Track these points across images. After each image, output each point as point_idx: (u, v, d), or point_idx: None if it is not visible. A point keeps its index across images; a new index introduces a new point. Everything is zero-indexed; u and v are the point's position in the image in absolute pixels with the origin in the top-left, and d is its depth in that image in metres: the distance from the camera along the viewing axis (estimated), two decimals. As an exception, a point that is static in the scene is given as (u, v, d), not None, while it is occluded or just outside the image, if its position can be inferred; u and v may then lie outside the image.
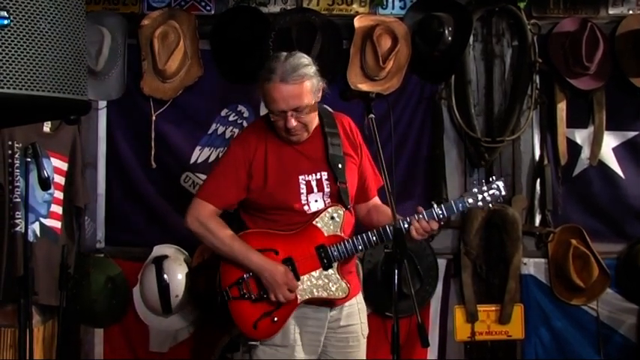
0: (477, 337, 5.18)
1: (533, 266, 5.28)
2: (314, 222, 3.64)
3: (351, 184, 3.70)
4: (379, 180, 3.90)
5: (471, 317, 5.17)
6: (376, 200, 3.93)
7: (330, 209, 3.65)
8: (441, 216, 3.60)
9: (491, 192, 3.67)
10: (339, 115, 3.80)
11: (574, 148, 5.34)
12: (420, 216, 3.57)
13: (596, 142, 5.31)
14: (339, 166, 3.66)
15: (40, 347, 4.80)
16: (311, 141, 3.68)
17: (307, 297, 3.61)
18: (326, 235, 3.64)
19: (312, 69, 3.56)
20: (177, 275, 4.94)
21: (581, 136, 5.36)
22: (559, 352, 5.24)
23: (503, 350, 5.25)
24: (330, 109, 3.84)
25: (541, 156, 5.31)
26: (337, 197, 3.67)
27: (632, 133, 5.36)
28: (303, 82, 3.49)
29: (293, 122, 3.50)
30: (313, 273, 3.62)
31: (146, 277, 4.96)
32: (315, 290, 3.62)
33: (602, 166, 5.34)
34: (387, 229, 3.58)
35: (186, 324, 5.09)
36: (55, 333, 4.91)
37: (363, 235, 3.61)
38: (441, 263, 5.24)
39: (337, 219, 3.65)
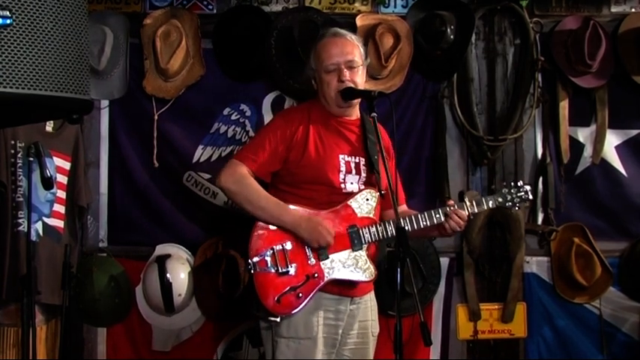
0: (479, 336, 5.18)
1: (535, 264, 5.28)
2: (348, 202, 3.68)
3: (383, 177, 3.74)
4: (403, 194, 4.00)
5: (474, 316, 5.17)
6: (404, 207, 3.96)
7: (365, 191, 3.72)
8: (470, 209, 3.74)
9: (520, 194, 3.87)
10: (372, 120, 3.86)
11: (576, 147, 5.34)
12: (453, 207, 3.69)
13: (598, 140, 5.31)
14: (375, 157, 3.74)
15: (43, 346, 4.81)
16: (351, 129, 3.80)
17: (334, 276, 3.61)
18: (359, 216, 3.69)
19: (360, 40, 3.86)
20: (180, 274, 4.96)
21: (583, 135, 5.36)
22: (562, 350, 5.24)
23: (505, 349, 5.25)
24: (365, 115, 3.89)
25: (543, 154, 5.32)
26: (371, 185, 3.75)
27: (634, 131, 5.36)
28: (354, 42, 3.79)
29: (347, 74, 3.66)
30: (342, 252, 3.64)
31: (149, 276, 4.97)
32: (342, 269, 3.62)
33: (605, 165, 5.34)
34: (419, 218, 3.68)
35: (189, 323, 5.10)
36: (58, 332, 4.91)
37: (395, 220, 3.61)
38: (444, 262, 5.24)
39: (371, 202, 3.72)
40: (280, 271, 3.58)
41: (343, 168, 3.70)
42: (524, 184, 3.90)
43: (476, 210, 3.75)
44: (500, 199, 3.83)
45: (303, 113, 3.78)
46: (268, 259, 3.59)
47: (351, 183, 3.71)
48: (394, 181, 3.57)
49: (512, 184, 3.89)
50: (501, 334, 5.19)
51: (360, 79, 3.74)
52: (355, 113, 3.83)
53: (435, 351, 5.21)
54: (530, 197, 3.91)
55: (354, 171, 3.73)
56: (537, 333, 5.24)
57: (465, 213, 3.70)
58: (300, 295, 3.57)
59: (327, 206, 3.66)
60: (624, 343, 5.24)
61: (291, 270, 3.58)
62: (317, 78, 3.77)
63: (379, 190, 3.73)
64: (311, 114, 3.76)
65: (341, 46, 3.72)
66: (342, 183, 3.69)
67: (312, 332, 3.61)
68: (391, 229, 3.64)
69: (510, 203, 3.85)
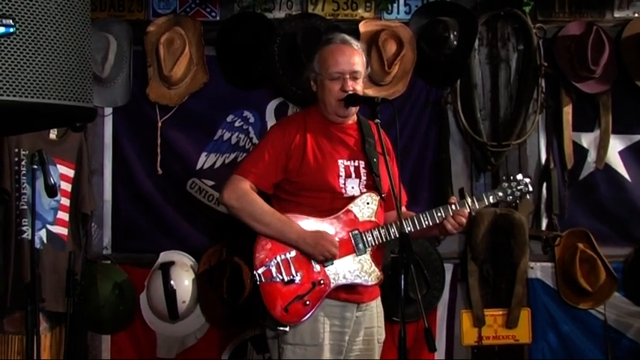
0: (484, 342, 5.17)
1: (540, 270, 5.27)
2: (349, 207, 3.67)
3: (383, 179, 3.74)
4: (405, 196, 3.98)
5: (478, 322, 5.16)
6: (402, 209, 3.95)
7: (364, 195, 3.70)
8: (472, 206, 3.73)
9: (519, 187, 3.86)
10: (371, 122, 3.83)
11: (580, 152, 5.34)
12: (453, 207, 3.68)
13: (602, 146, 5.31)
14: (374, 159, 3.74)
15: (48, 354, 4.81)
16: (349, 133, 3.79)
17: (340, 282, 3.61)
18: (360, 220, 3.68)
19: (364, 48, 3.86)
20: (184, 281, 4.96)
21: (587, 140, 5.36)
22: (566, 356, 5.23)
23: (510, 354, 5.23)
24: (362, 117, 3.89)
25: (547, 160, 5.31)
26: (372, 188, 3.74)
27: (638, 137, 5.37)
28: (360, 52, 3.76)
29: (350, 84, 3.65)
30: (346, 258, 3.63)
31: (153, 283, 4.97)
32: (348, 274, 3.62)
33: (609, 170, 5.33)
34: (421, 218, 3.67)
35: (193, 330, 5.10)
36: (62, 339, 4.92)
37: (397, 222, 3.60)
38: (448, 268, 5.24)
39: (372, 205, 3.70)
40: (286, 280, 3.58)
41: (343, 172, 3.69)
42: (524, 176, 3.89)
43: (477, 206, 3.74)
44: (500, 194, 3.83)
45: (299, 121, 3.78)
46: (273, 269, 3.59)
47: (352, 187, 3.71)
48: (396, 182, 3.56)
49: (512, 177, 3.88)
50: (506, 339, 5.17)
51: (360, 88, 3.73)
52: (352, 117, 3.83)
53: (439, 357, 5.20)
54: (530, 189, 3.89)
55: (353, 175, 3.72)
56: (542, 338, 5.23)
57: (466, 211, 3.69)
58: (308, 302, 3.56)
59: (329, 212, 3.66)
60: (629, 348, 5.23)
61: (297, 278, 3.59)
62: (319, 82, 3.76)
63: (380, 193, 3.72)
64: (307, 121, 3.77)
65: (349, 55, 3.70)
66: (342, 188, 3.68)
67: (319, 339, 3.60)
68: (394, 232, 3.64)
69: (511, 197, 3.85)
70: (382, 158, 3.74)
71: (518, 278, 5.13)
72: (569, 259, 5.17)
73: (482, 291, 5.20)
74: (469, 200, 3.72)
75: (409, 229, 3.63)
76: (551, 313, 5.25)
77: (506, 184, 3.85)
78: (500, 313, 5.17)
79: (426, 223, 3.68)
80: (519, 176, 3.89)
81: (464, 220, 3.69)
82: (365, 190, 3.73)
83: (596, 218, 5.33)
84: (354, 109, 3.75)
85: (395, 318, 4.68)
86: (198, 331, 5.12)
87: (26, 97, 2.36)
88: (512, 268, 5.16)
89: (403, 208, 3.92)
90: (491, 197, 3.80)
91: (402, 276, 3.13)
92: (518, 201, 3.93)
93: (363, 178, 3.73)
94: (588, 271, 5.13)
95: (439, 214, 3.68)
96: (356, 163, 3.74)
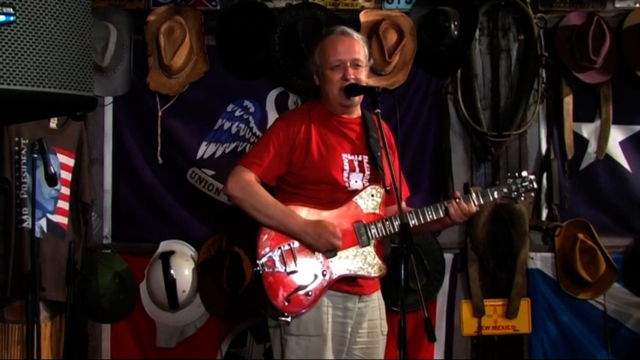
0: (483, 332, 5.18)
1: (540, 260, 5.27)
2: (354, 199, 3.69)
3: (387, 173, 3.74)
4: (406, 191, 3.99)
5: (478, 312, 5.17)
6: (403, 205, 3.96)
7: (369, 187, 3.72)
8: (476, 201, 3.73)
9: (524, 184, 3.85)
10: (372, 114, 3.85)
11: (581, 142, 5.34)
12: (458, 200, 3.68)
13: (602, 136, 5.31)
14: (378, 153, 3.74)
15: (48, 343, 4.81)
16: (353, 127, 3.80)
17: (344, 273, 3.62)
18: (365, 212, 3.69)
19: (366, 40, 3.86)
20: (184, 270, 4.97)
21: (587, 130, 5.35)
22: (566, 346, 5.24)
23: (510, 345, 5.24)
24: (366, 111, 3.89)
25: (547, 150, 5.31)
26: (375, 182, 3.75)
27: (638, 127, 5.36)
28: (360, 42, 3.78)
29: (352, 72, 3.66)
30: (350, 249, 3.64)
31: (153, 273, 4.98)
32: (351, 266, 3.63)
33: (609, 160, 5.33)
34: (425, 211, 3.69)
35: (193, 319, 5.10)
36: (62, 329, 4.92)
37: (400, 215, 3.59)
38: (448, 258, 5.24)
39: (377, 198, 3.72)
40: (289, 270, 3.59)
41: (347, 167, 3.70)
42: (529, 173, 3.89)
43: (481, 201, 3.75)
44: (505, 190, 3.83)
45: (304, 114, 3.78)
46: (276, 258, 3.59)
47: (356, 181, 3.72)
48: (397, 175, 3.55)
49: (517, 174, 3.88)
50: (505, 330, 5.19)
51: (363, 78, 3.74)
52: (356, 112, 3.83)
53: (439, 347, 5.21)
54: (535, 187, 3.89)
55: (357, 169, 3.73)
56: (541, 329, 5.24)
57: (467, 208, 3.70)
58: (310, 293, 3.57)
59: (332, 205, 3.67)
60: (628, 339, 5.23)
61: (300, 269, 3.59)
62: (320, 74, 3.77)
63: (384, 187, 3.72)
64: (312, 114, 3.77)
65: (348, 45, 3.72)
66: (346, 181, 3.69)
67: (322, 329, 3.61)
68: (398, 225, 3.63)
69: (515, 194, 3.84)
70: (385, 153, 3.74)
71: (518, 268, 5.14)
72: (569, 250, 5.17)
73: (482, 281, 5.21)
74: (473, 195, 3.72)
75: (413, 222, 3.65)
76: (550, 303, 5.26)
77: (511, 181, 3.86)
78: (500, 303, 5.18)
79: (430, 216, 3.69)
80: (524, 173, 3.89)
81: (467, 210, 3.69)
82: (368, 183, 3.74)
83: (596, 209, 5.33)
84: (358, 100, 3.75)
85: (395, 308, 4.69)
86: (198, 321, 5.13)
87: (27, 85, 2.36)
88: (512, 258, 5.16)
89: (403, 203, 3.93)
90: (495, 193, 3.80)
91: (402, 266, 3.13)
92: (522, 198, 3.90)
93: (367, 172, 3.74)
94: (588, 261, 5.13)
95: (442, 208, 3.70)
96: (360, 158, 3.75)
